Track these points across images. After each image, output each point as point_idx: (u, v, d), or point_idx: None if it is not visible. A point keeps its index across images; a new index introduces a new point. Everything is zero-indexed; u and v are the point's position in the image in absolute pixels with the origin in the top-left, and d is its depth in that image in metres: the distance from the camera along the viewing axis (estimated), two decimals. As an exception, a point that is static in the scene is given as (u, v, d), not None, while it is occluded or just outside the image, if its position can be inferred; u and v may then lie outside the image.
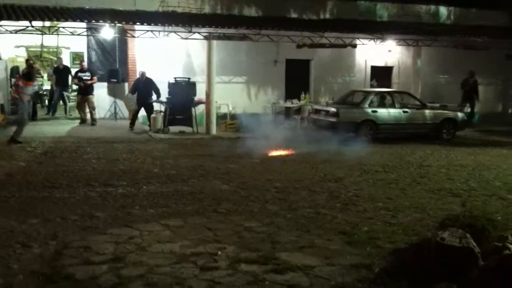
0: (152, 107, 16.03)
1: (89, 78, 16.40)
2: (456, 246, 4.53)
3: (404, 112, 15.16)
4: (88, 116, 16.48)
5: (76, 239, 5.48)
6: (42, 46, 20.49)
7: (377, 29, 17.47)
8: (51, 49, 20.91)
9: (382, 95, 15.85)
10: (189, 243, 5.43)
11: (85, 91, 16.38)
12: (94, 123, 16.12)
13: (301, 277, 4.60)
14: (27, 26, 14.29)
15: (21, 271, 4.61)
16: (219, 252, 5.15)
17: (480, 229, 5.08)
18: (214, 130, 15.74)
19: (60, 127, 15.60)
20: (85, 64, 17.14)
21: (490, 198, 7.99)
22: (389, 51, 19.33)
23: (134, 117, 15.88)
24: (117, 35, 16.26)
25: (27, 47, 20.51)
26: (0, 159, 10.29)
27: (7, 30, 14.47)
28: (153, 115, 15.66)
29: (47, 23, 16.39)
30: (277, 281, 4.49)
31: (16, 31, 14.55)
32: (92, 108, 16.41)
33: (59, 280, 4.42)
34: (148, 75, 15.80)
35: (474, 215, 5.37)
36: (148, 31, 15.07)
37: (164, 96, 15.57)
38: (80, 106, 16.75)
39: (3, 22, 14.42)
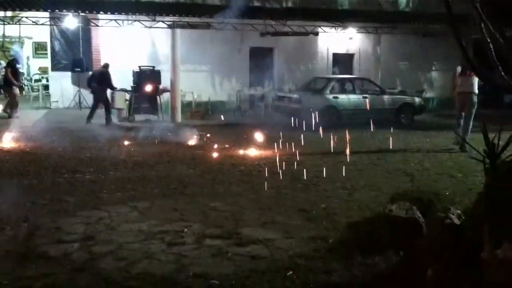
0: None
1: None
2: (403, 217, 4.95)
3: (364, 98, 15.63)
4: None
5: (47, 221, 5.70)
6: (4, 36, 20.28)
7: (338, 17, 17.89)
8: (13, 40, 20.72)
9: (343, 82, 16.32)
10: (156, 222, 5.72)
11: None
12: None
13: (262, 249, 4.95)
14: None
15: (-4, 251, 4.84)
16: (185, 230, 5.45)
17: (426, 203, 5.51)
18: (179, 118, 15.94)
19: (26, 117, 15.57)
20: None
21: (441, 177, 8.49)
22: (350, 38, 19.79)
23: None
24: (80, 24, 16.26)
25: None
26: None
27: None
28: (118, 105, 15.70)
29: (9, 13, 16.30)
30: (240, 253, 4.84)
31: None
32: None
33: (34, 258, 4.66)
34: (113, 64, 15.69)
35: (421, 190, 5.81)
36: (112, 20, 15.16)
37: (129, 84, 15.67)
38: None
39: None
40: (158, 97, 15.66)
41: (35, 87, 19.85)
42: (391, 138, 13.11)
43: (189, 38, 17.21)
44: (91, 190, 7.24)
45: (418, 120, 16.41)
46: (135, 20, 15.44)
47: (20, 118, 15.24)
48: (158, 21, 15.46)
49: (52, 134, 12.50)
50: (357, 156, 10.45)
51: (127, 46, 16.92)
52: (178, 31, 15.82)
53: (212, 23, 16.02)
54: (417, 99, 16.64)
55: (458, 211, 4.92)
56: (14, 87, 15.74)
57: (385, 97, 16.02)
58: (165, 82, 16.03)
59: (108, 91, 15.14)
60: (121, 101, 15.55)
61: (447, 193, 6.83)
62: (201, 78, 18.15)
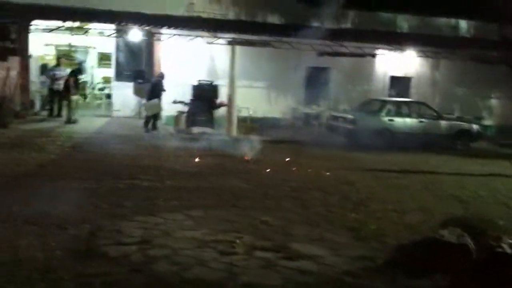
0: None
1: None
2: (454, 243, 4.97)
3: (420, 122, 15.53)
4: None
5: (107, 224, 6.00)
6: (70, 45, 21.18)
7: (396, 40, 17.87)
8: (78, 49, 21.59)
9: (399, 105, 16.26)
10: (209, 231, 5.93)
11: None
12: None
13: (310, 265, 5.08)
14: (59, 27, 14.94)
15: (58, 248, 5.14)
16: (237, 240, 5.64)
17: (478, 230, 5.50)
18: (234, 132, 16.23)
19: (88, 124, 16.25)
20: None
21: (496, 205, 8.37)
22: (408, 62, 19.68)
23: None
24: (144, 37, 16.86)
25: (56, 46, 21.21)
26: (32, 151, 10.91)
27: (37, 29, 15.18)
28: (176, 115, 16.18)
29: (76, 24, 17.09)
30: (289, 267, 4.98)
31: (50, 30, 15.24)
32: None
33: (95, 256, 4.95)
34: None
35: (474, 217, 5.80)
36: (174, 34, 15.67)
37: (187, 97, 16.11)
38: None
39: (36, 21, 15.15)
40: (214, 110, 16.01)
41: (98, 95, 20.63)
42: (445, 163, 13.03)
43: (248, 54, 17.56)
44: (148, 197, 7.52)
45: (474, 147, 16.14)
46: (196, 36, 15.88)
47: (83, 125, 15.87)
48: (218, 38, 15.86)
49: (113, 141, 13.00)
50: (410, 179, 10.42)
51: (187, 60, 17.42)
52: (237, 47, 16.17)
53: (270, 42, 16.30)
54: (474, 126, 16.40)
55: (510, 241, 4.91)
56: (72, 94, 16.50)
57: (442, 122, 15.86)
58: (222, 96, 16.39)
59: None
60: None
61: (500, 222, 6.75)
62: (257, 94, 18.45)
